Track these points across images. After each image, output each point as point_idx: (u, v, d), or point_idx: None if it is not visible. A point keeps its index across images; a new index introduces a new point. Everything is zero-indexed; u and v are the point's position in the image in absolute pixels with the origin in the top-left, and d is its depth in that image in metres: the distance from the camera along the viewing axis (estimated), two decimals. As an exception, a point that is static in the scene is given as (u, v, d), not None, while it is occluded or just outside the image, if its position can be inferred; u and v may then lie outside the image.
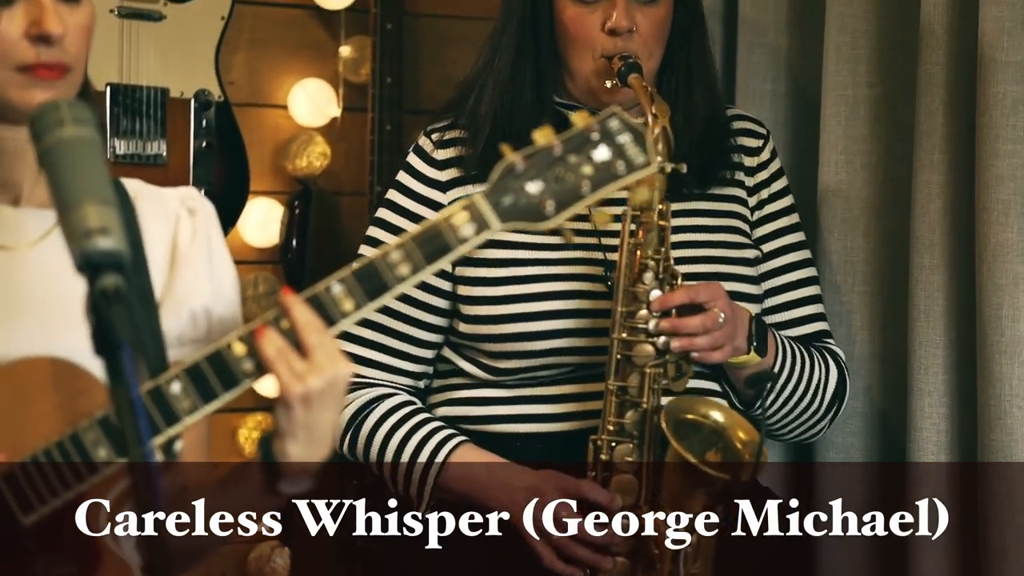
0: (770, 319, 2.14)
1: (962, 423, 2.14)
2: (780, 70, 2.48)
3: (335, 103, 3.11)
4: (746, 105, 2.49)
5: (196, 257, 1.63)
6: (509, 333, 2.03)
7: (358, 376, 2.09)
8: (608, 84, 2.02)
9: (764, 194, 2.18)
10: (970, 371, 2.10)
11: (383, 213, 2.14)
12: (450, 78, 3.23)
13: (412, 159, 2.14)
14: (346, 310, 1.46)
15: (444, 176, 2.10)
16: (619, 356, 1.95)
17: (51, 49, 1.49)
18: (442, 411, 2.11)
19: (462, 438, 2.04)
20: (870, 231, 2.30)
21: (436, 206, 2.09)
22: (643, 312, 1.94)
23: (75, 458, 1.42)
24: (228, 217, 2.93)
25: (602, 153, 1.50)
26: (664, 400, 1.95)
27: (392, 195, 2.14)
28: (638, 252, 1.95)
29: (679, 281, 1.96)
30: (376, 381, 2.10)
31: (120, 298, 1.22)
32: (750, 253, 2.14)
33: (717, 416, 1.97)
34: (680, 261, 2.02)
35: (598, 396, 2.00)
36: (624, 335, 1.95)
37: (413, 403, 2.09)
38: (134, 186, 1.64)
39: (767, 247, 2.17)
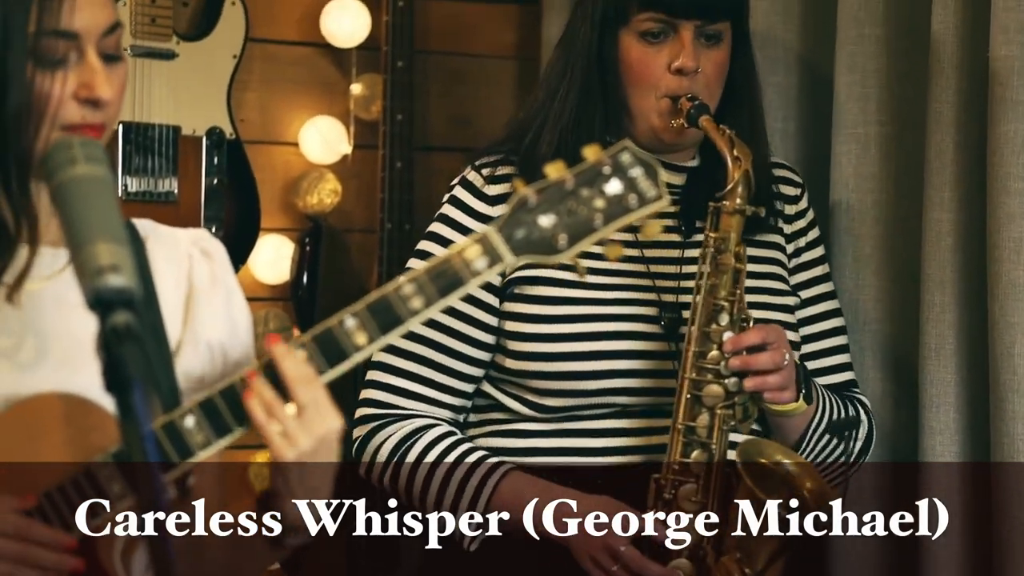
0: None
1: (975, 462, 2.13)
2: (790, 108, 2.48)
3: (346, 140, 3.12)
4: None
5: (214, 298, 1.63)
6: (559, 371, 2.03)
7: (399, 408, 2.09)
8: (674, 124, 2.03)
9: (801, 242, 2.18)
10: (982, 410, 2.10)
11: (427, 246, 2.12)
12: (460, 116, 3.25)
13: (460, 193, 2.12)
14: (359, 344, 1.46)
15: (495, 211, 2.07)
16: (688, 396, 1.95)
17: (97, 111, 1.50)
18: (481, 443, 2.10)
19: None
20: (881, 269, 2.30)
21: None
22: (714, 353, 1.95)
23: (89, 494, 1.42)
24: (239, 254, 2.94)
25: (614, 187, 1.50)
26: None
27: (437, 228, 2.12)
28: (713, 293, 1.95)
29: (751, 323, 1.96)
30: (417, 413, 2.09)
31: (131, 335, 1.22)
32: (790, 300, 2.14)
33: (789, 464, 1.96)
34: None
35: (641, 432, 2.01)
36: (694, 375, 1.95)
37: (455, 433, 2.07)
38: (145, 226, 1.65)
39: (803, 295, 2.18)
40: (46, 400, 1.49)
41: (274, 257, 3.07)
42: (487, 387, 2.12)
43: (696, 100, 2.01)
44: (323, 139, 3.10)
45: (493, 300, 2.08)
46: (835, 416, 2.09)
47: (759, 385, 1.93)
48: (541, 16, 3.11)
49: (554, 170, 1.50)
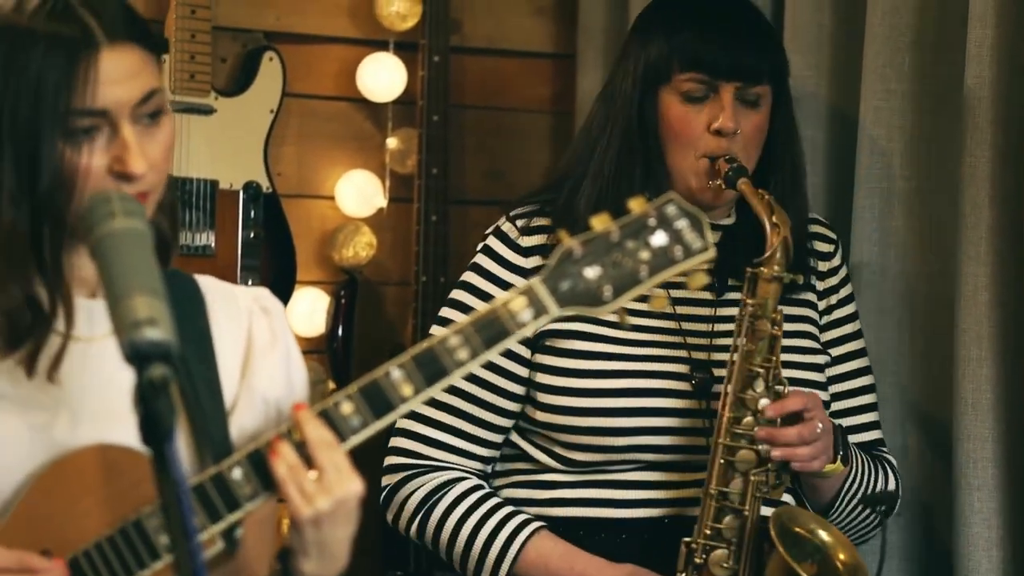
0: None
1: (1014, 518, 2.10)
2: (818, 163, 2.48)
3: (381, 194, 3.14)
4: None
5: (273, 355, 1.64)
6: (588, 427, 2.02)
7: (428, 458, 2.09)
8: (712, 185, 2.03)
9: (833, 299, 2.18)
10: (1021, 465, 2.07)
11: (459, 295, 2.12)
12: (495, 170, 3.27)
13: (493, 243, 2.12)
14: (405, 395, 1.47)
15: (529, 263, 2.08)
16: (722, 461, 1.94)
17: (134, 184, 1.50)
18: (506, 492, 2.10)
19: (538, 524, 2.02)
20: (903, 323, 2.29)
21: None
22: (749, 419, 1.95)
23: (137, 545, 1.43)
24: (275, 307, 2.95)
25: (660, 239, 1.50)
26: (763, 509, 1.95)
27: (470, 277, 2.12)
28: (749, 360, 1.95)
29: (786, 389, 1.96)
30: (446, 464, 2.08)
31: (167, 389, 1.23)
32: (820, 359, 2.13)
33: (823, 534, 1.95)
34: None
35: (669, 486, 2.00)
36: (728, 440, 1.94)
37: (484, 487, 2.08)
38: (205, 282, 1.66)
39: (834, 352, 2.17)
40: (88, 453, 1.49)
41: (310, 310, 3.08)
42: (515, 437, 2.11)
43: (735, 162, 2.01)
44: (359, 193, 3.12)
45: (525, 352, 2.08)
46: (868, 481, 2.08)
47: (787, 455, 1.93)
48: (576, 70, 3.13)
49: (599, 222, 1.50)
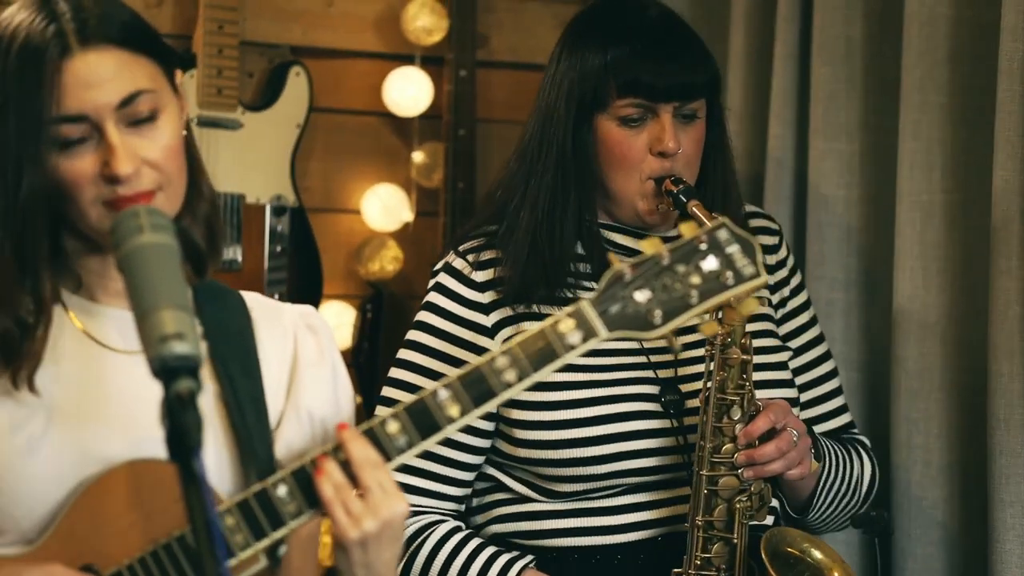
0: (805, 414, 2.14)
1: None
2: (854, 175, 2.47)
3: (408, 208, 3.14)
4: (818, 211, 2.48)
5: (320, 373, 1.64)
6: (568, 458, 2.01)
7: None
8: (660, 207, 2.01)
9: (786, 291, 2.18)
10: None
11: (417, 335, 2.08)
12: (522, 183, 3.26)
13: (446, 279, 2.08)
14: (452, 415, 1.47)
15: (486, 298, 2.05)
16: (705, 491, 1.94)
17: (127, 185, 1.50)
18: (493, 528, 2.07)
19: (525, 562, 1.99)
20: (947, 338, 2.27)
21: (479, 328, 2.04)
22: (728, 446, 1.94)
23: (181, 560, 1.43)
24: (301, 321, 2.96)
25: (711, 263, 1.50)
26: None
27: (426, 317, 2.08)
28: (722, 389, 1.94)
29: (761, 408, 1.95)
30: (422, 508, 2.06)
31: (194, 403, 1.22)
32: (783, 355, 2.13)
33: (816, 553, 1.95)
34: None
35: (655, 505, 1.99)
36: (709, 470, 1.93)
37: (462, 528, 2.05)
38: (251, 298, 1.67)
39: (794, 343, 2.17)
40: (129, 468, 1.49)
41: (336, 323, 3.08)
42: (490, 470, 2.08)
43: (681, 183, 1.99)
44: (385, 207, 3.12)
45: (554, 373, 2.07)
46: (843, 469, 2.09)
47: (760, 473, 1.93)
48: (602, 85, 3.12)
49: (650, 245, 1.50)
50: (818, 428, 2.15)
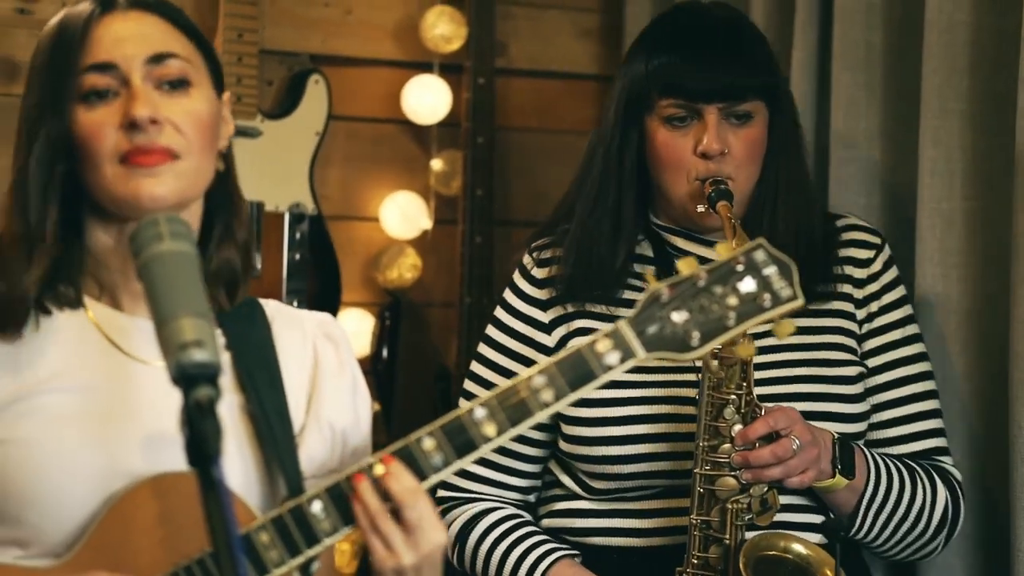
0: (879, 435, 2.10)
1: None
2: (874, 183, 2.46)
3: (426, 216, 3.14)
4: (838, 218, 2.47)
5: (341, 384, 1.64)
6: (598, 455, 2.03)
7: (465, 491, 2.13)
8: (700, 208, 2.01)
9: (874, 307, 2.13)
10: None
11: (490, 330, 2.16)
12: (540, 191, 3.26)
13: (515, 276, 2.16)
14: (488, 435, 1.46)
15: (544, 295, 2.11)
16: (701, 490, 1.93)
17: (144, 134, 1.50)
18: (546, 522, 2.11)
19: (562, 553, 2.02)
20: (968, 344, 2.26)
21: (536, 323, 2.11)
22: (726, 446, 1.92)
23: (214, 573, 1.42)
24: (320, 328, 2.96)
25: (748, 285, 1.50)
26: (748, 535, 1.93)
27: (498, 312, 2.16)
28: (718, 388, 1.93)
29: (763, 411, 1.93)
30: (482, 496, 2.12)
31: (213, 410, 1.22)
32: (851, 370, 2.09)
33: (800, 549, 1.94)
34: (772, 382, 2.01)
35: (684, 512, 1.97)
36: (707, 469, 1.92)
37: (518, 516, 2.10)
38: (271, 307, 1.67)
39: (877, 361, 2.12)
40: (160, 481, 1.48)
41: (354, 331, 3.09)
42: (552, 464, 2.13)
43: (720, 184, 1.99)
44: (403, 214, 3.12)
45: (591, 393, 2.10)
46: (898, 491, 2.03)
47: (758, 477, 1.90)
48: (620, 92, 3.12)
49: (686, 265, 1.50)
50: (899, 450, 2.10)
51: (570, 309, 2.08)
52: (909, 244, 2.35)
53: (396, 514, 1.44)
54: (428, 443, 1.46)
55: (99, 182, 1.52)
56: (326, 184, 3.06)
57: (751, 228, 1.98)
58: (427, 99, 3.12)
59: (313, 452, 1.60)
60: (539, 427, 2.06)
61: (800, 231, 2.07)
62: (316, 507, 1.44)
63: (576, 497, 2.09)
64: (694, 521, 1.93)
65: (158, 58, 1.52)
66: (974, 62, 2.26)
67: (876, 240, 2.17)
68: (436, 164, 3.15)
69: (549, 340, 2.10)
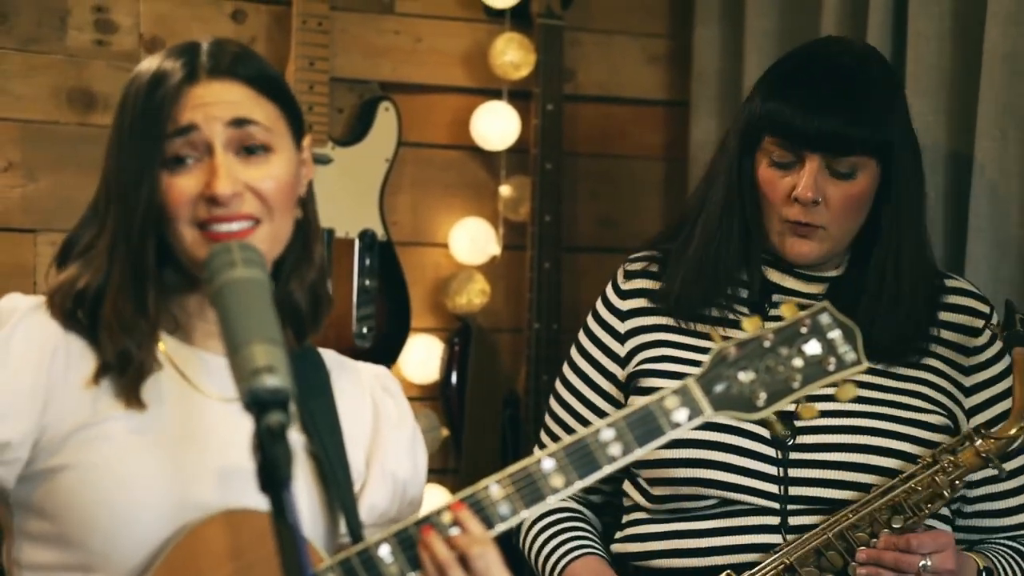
0: (975, 507, 2.08)
1: None
2: (936, 211, 2.42)
3: (495, 241, 3.15)
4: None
5: (401, 436, 1.67)
6: (656, 459, 2.03)
7: None
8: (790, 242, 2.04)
9: (980, 377, 2.09)
10: None
11: (579, 333, 2.22)
12: (608, 217, 3.26)
13: (607, 286, 2.21)
14: (556, 486, 1.48)
15: (625, 305, 2.15)
16: (814, 545, 1.93)
17: (224, 207, 1.53)
18: (615, 547, 2.14)
19: (588, 551, 2.10)
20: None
21: (613, 331, 2.15)
22: (863, 535, 1.92)
23: None
24: (390, 354, 2.97)
25: (813, 348, 1.53)
26: None
27: (588, 319, 2.21)
28: (910, 494, 1.92)
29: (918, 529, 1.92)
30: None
31: (285, 436, 1.23)
32: (934, 418, 2.05)
33: None
34: (843, 414, 2.00)
35: (739, 531, 1.99)
36: (832, 536, 1.92)
37: (571, 511, 2.17)
38: (330, 357, 1.69)
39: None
40: (228, 517, 1.49)
41: (424, 357, 3.10)
42: (626, 485, 2.15)
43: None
44: (472, 240, 3.14)
45: (618, 395, 2.15)
46: None
47: (870, 573, 1.90)
48: (689, 117, 3.12)
49: (751, 325, 1.53)
50: (999, 522, 2.08)
51: (646, 322, 2.11)
52: (961, 273, 2.31)
53: (463, 561, 1.45)
54: (496, 492, 1.47)
55: (179, 244, 1.55)
56: (396, 210, 3.08)
57: (863, 284, 2.01)
58: (496, 125, 3.13)
59: (375, 501, 1.61)
60: None
61: (912, 291, 2.05)
62: (384, 551, 1.44)
63: (645, 522, 2.09)
64: (785, 562, 1.93)
65: (239, 122, 1.55)
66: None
67: (984, 309, 2.12)
68: (505, 190, 3.16)
69: (621, 350, 2.13)
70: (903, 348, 2.05)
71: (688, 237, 2.11)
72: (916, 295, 2.06)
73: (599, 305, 2.19)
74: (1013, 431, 1.91)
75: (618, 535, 2.15)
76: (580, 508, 2.19)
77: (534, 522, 2.16)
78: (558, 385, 2.22)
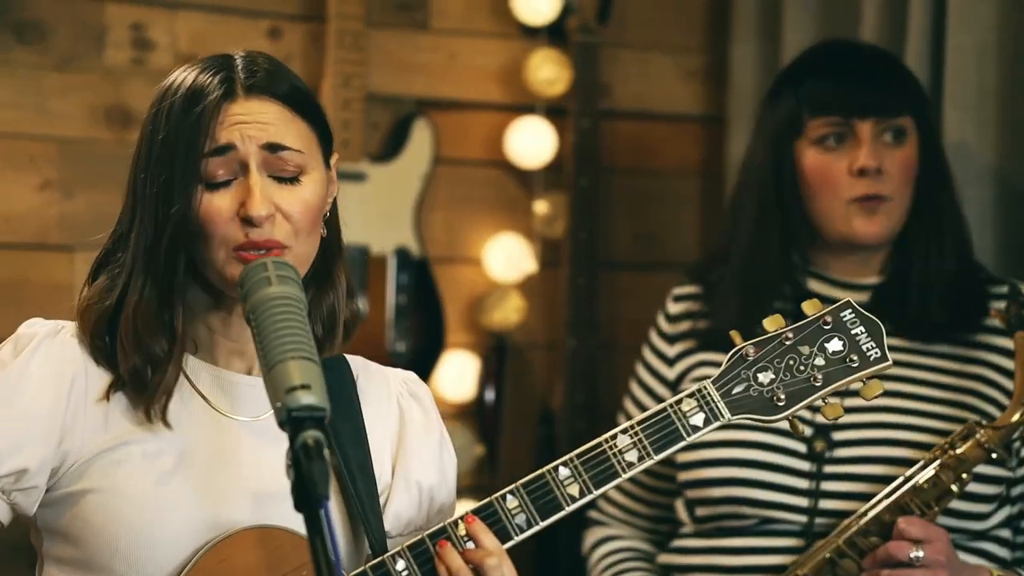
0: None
1: None
2: (986, 225, 2.40)
3: (530, 258, 3.14)
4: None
5: (428, 442, 1.65)
6: (696, 479, 2.03)
7: (606, 513, 2.25)
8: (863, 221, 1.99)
9: None
10: None
11: (637, 366, 2.24)
12: (644, 233, 3.25)
13: (659, 311, 2.23)
14: (573, 495, 1.47)
15: (672, 330, 2.16)
16: (826, 556, 1.90)
17: (259, 229, 1.52)
18: (662, 558, 2.15)
19: (621, 569, 2.13)
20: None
21: (663, 356, 2.17)
22: (874, 539, 1.89)
23: None
24: (425, 370, 2.97)
25: (836, 345, 1.49)
26: None
27: (643, 347, 2.24)
28: (917, 495, 1.89)
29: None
30: (612, 519, 2.23)
31: (321, 453, 1.23)
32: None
33: None
34: (894, 410, 1.98)
35: (775, 551, 1.97)
36: (842, 544, 1.90)
37: (628, 550, 2.19)
38: (356, 363, 1.67)
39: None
40: (250, 535, 1.49)
41: (459, 374, 3.09)
42: (677, 503, 2.16)
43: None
44: (508, 257, 3.13)
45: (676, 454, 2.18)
46: None
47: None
48: (726, 133, 3.10)
49: (771, 323, 1.49)
50: None
51: (694, 345, 2.10)
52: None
53: (478, 574, 1.44)
54: (511, 502, 1.46)
55: (211, 263, 1.54)
56: (431, 227, 3.08)
57: (908, 261, 1.98)
58: (531, 142, 3.12)
59: (400, 510, 1.60)
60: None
61: (961, 270, 2.02)
62: (400, 565, 1.45)
63: (684, 527, 2.11)
64: (799, 573, 1.91)
65: (273, 148, 1.54)
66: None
67: None
68: (540, 207, 3.15)
69: (671, 373, 2.14)
70: (961, 322, 1.99)
71: (722, 258, 2.11)
72: (965, 266, 2.03)
73: (651, 331, 2.21)
74: (1015, 418, 1.87)
75: (669, 544, 2.16)
76: (639, 546, 2.21)
77: (600, 559, 2.19)
78: (627, 403, 2.25)
